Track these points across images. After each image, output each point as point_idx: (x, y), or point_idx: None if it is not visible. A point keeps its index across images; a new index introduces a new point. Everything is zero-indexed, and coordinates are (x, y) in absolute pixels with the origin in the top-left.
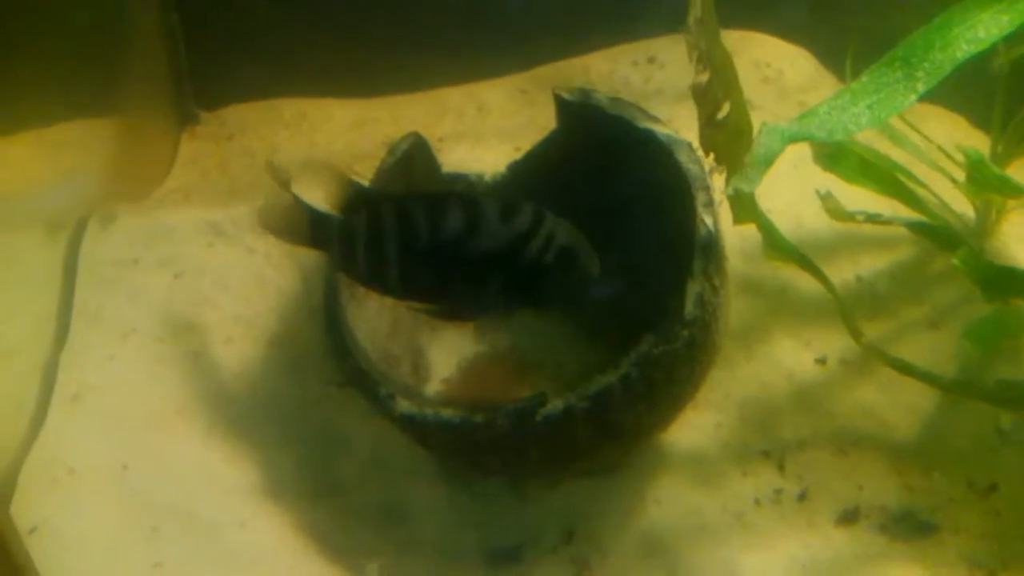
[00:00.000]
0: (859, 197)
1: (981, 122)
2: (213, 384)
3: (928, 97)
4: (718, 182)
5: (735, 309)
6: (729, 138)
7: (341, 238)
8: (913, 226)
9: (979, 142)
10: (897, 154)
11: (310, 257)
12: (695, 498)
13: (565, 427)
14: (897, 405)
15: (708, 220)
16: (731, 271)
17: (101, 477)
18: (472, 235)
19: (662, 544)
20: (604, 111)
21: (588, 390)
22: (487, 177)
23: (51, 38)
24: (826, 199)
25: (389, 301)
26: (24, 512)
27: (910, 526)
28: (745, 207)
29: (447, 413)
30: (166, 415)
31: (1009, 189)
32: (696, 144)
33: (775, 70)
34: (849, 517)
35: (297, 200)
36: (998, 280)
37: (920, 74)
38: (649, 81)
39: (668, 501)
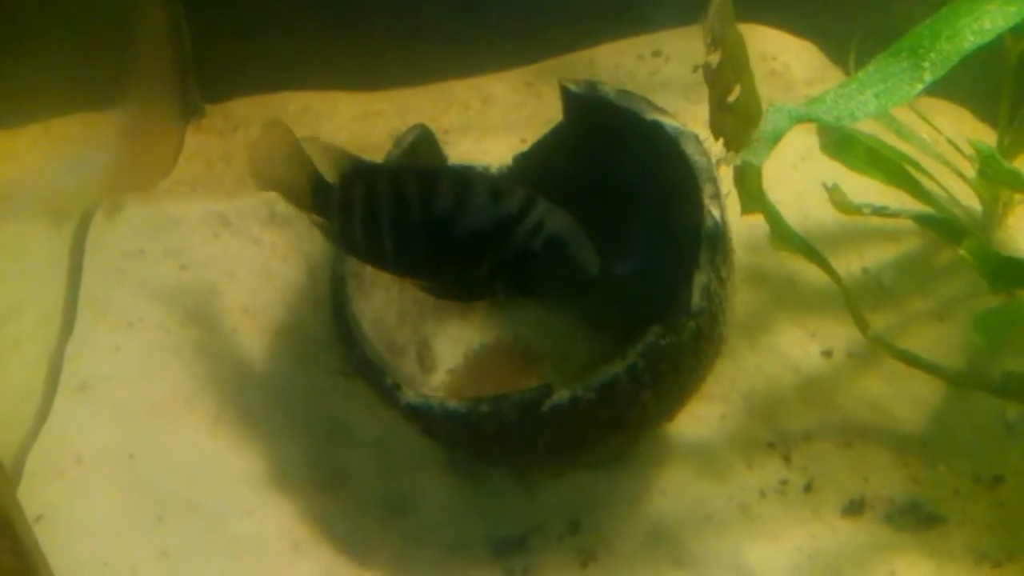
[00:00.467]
0: (865, 188)
1: (986, 116)
2: (219, 374)
3: (933, 91)
4: (725, 174)
5: (741, 301)
6: (739, 122)
7: (340, 209)
8: (920, 218)
9: (984, 136)
10: (903, 148)
11: (316, 248)
12: (701, 489)
13: (571, 417)
14: (903, 397)
15: (715, 211)
16: (737, 263)
17: (108, 466)
18: (460, 213)
19: (667, 535)
20: (611, 103)
21: (595, 381)
22: (493, 169)
23: (57, 31)
24: (832, 191)
25: (395, 292)
26: (31, 500)
27: (916, 518)
28: (752, 197)
29: (453, 403)
30: (173, 405)
31: (1020, 183)
32: (703, 136)
33: (781, 63)
34: (855, 508)
35: (303, 162)
36: (1005, 271)
37: (926, 64)
38: (655, 74)
39: (674, 492)
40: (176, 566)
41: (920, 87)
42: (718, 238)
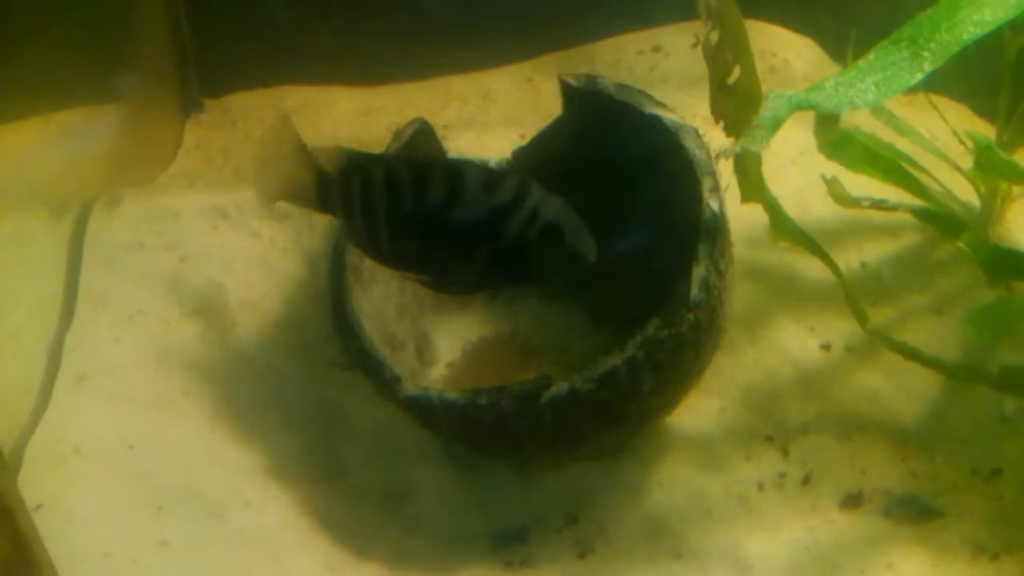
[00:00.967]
0: (864, 184)
1: (985, 112)
2: (218, 366)
3: (932, 87)
4: (724, 168)
5: (740, 295)
6: (740, 104)
7: (342, 201)
8: (918, 212)
9: (984, 131)
10: (902, 143)
11: (315, 241)
12: (699, 482)
13: (570, 410)
14: (901, 390)
15: (714, 205)
16: (736, 257)
17: (107, 457)
18: (453, 203)
19: (666, 527)
20: (610, 97)
21: (593, 373)
22: (492, 164)
23: (56, 25)
24: (831, 184)
25: (394, 286)
26: (30, 490)
27: (914, 510)
28: (752, 185)
29: (451, 395)
30: (172, 396)
31: (1016, 175)
32: (702, 130)
33: (781, 60)
34: (853, 501)
35: (307, 159)
36: (1003, 263)
37: (926, 54)
38: (654, 70)
39: (672, 484)
40: (175, 556)
41: (920, 76)
42: (717, 231)
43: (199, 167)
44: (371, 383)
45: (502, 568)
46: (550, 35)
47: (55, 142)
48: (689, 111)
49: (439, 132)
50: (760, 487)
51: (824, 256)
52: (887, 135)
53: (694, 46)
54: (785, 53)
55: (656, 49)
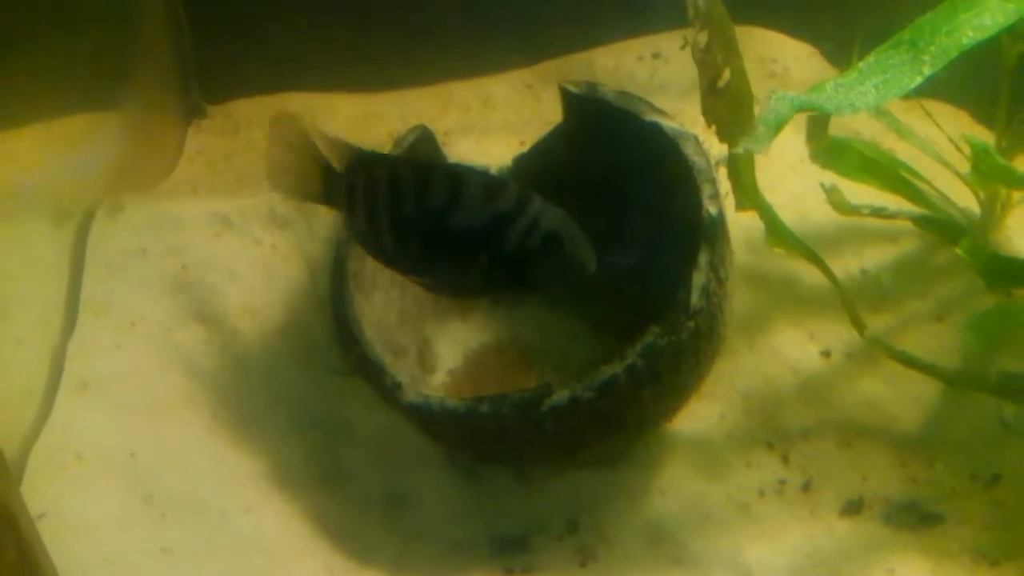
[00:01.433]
0: (862, 192)
1: (985, 119)
2: (220, 372)
3: (932, 92)
4: (723, 175)
5: (740, 301)
6: (730, 107)
7: (347, 197)
8: (917, 219)
9: (984, 138)
10: (902, 148)
11: (317, 248)
12: (699, 488)
13: (571, 417)
14: (901, 397)
15: (714, 212)
16: (736, 263)
17: (109, 463)
18: (454, 208)
19: (667, 534)
20: (610, 104)
21: (594, 380)
22: (493, 170)
23: (59, 31)
24: (830, 192)
25: (396, 292)
26: (33, 497)
27: (914, 517)
28: (746, 193)
29: (453, 403)
30: (174, 403)
31: (1014, 180)
32: (702, 138)
33: (781, 66)
34: (853, 508)
35: (314, 153)
36: (1002, 271)
37: (926, 57)
38: (654, 76)
39: (673, 491)
40: (177, 563)
41: (920, 80)
42: (717, 238)
43: (202, 173)
44: (372, 390)
45: (503, 575)
46: (550, 41)
47: (57, 149)
48: (689, 118)
49: (440, 138)
50: (760, 494)
51: (820, 263)
52: (887, 141)
53: (682, 47)
54: (785, 59)
55: (656, 55)
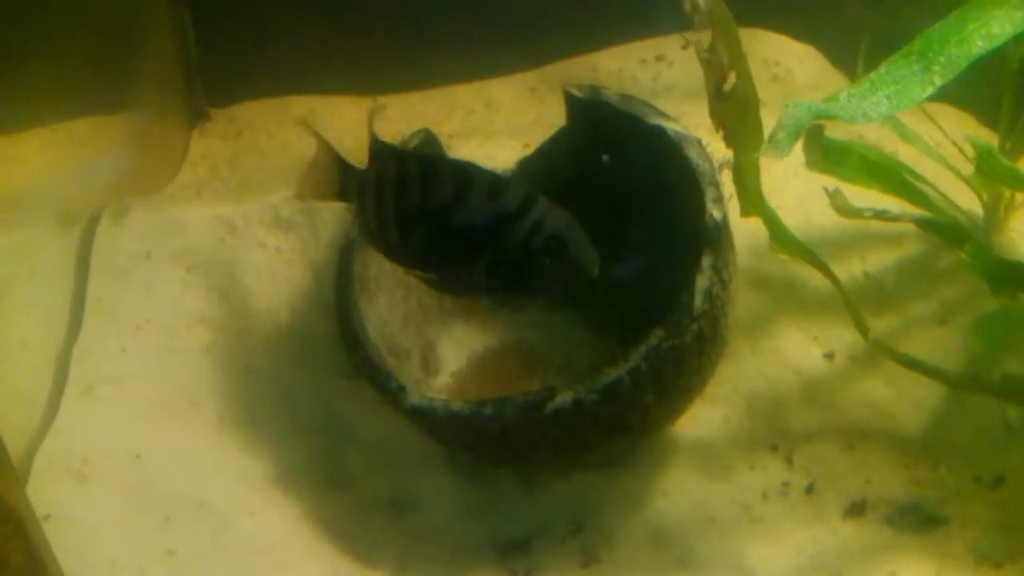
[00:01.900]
0: (866, 195)
1: (990, 121)
2: (225, 376)
3: (937, 96)
4: (727, 178)
5: (743, 304)
6: (737, 111)
7: (359, 192)
8: (921, 222)
9: (988, 140)
10: (906, 151)
11: (321, 252)
12: (703, 490)
13: (574, 420)
14: (904, 399)
15: (717, 215)
16: (739, 266)
17: (114, 466)
18: (458, 205)
19: (670, 536)
20: (614, 107)
21: (597, 383)
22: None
23: (64, 35)
24: (834, 196)
25: (400, 295)
26: (38, 500)
27: (917, 519)
28: (751, 199)
29: (456, 405)
30: (178, 406)
31: (1018, 181)
32: (705, 141)
33: (784, 68)
34: (856, 510)
35: (329, 151)
36: (1006, 274)
37: (936, 68)
38: (658, 79)
39: (676, 493)
40: (182, 565)
41: (931, 90)
42: (720, 241)
43: (206, 177)
44: (376, 392)
45: None
46: (554, 44)
47: (62, 153)
48: (692, 121)
49: (444, 142)
50: (764, 496)
51: (823, 268)
52: (891, 144)
53: (684, 48)
54: (788, 62)
55: (660, 58)
